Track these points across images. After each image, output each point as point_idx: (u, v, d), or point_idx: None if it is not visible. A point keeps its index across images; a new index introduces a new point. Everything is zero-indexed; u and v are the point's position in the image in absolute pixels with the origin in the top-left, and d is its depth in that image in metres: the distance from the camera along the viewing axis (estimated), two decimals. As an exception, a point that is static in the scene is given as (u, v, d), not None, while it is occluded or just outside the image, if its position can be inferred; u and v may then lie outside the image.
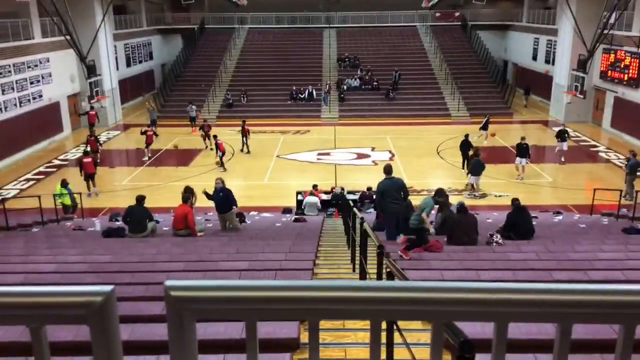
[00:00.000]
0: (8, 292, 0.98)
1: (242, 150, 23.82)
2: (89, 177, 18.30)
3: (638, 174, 17.23)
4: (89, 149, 20.79)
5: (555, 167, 21.33)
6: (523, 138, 19.49)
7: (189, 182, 19.24)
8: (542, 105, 33.24)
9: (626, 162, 18.28)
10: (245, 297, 0.95)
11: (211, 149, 23.02)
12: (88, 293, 0.97)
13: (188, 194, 11.75)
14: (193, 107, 28.14)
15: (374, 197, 15.38)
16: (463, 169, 19.95)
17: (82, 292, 0.97)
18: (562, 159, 21.28)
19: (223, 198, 11.56)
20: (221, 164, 21.03)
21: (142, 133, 23.14)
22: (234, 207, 11.77)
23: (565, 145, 21.17)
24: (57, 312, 0.98)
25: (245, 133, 23.69)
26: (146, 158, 22.78)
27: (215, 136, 22.08)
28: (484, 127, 24.34)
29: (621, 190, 16.13)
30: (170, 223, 11.74)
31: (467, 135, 20.35)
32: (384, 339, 3.19)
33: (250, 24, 40.06)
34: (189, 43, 38.88)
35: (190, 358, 1.00)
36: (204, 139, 23.98)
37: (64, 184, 15.53)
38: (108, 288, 0.97)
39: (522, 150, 19.19)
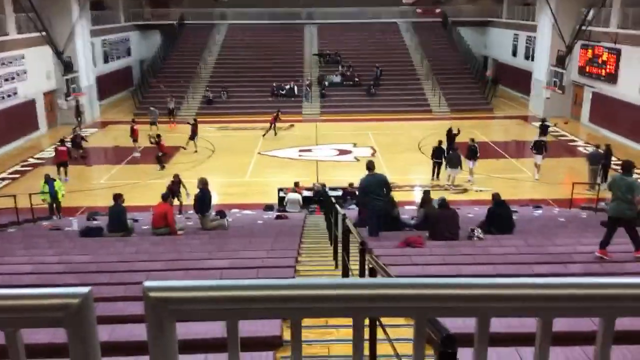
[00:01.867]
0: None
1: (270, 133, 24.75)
2: (62, 165, 19.18)
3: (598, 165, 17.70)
4: (68, 139, 20.65)
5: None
6: (472, 139, 19.07)
7: (165, 180, 19.13)
8: (522, 101, 33.65)
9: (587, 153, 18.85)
10: (225, 296, 0.93)
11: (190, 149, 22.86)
12: (64, 295, 0.95)
13: (168, 191, 11.63)
14: (173, 99, 27.93)
15: (356, 193, 15.46)
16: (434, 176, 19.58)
17: (58, 295, 0.95)
18: (536, 176, 19.27)
19: (198, 198, 11.49)
20: (160, 162, 20.56)
21: (132, 130, 22.96)
22: (208, 212, 11.66)
23: (540, 159, 19.14)
24: (33, 316, 0.96)
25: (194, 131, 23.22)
26: (137, 154, 22.56)
27: (158, 135, 21.27)
28: (544, 132, 22.15)
29: (595, 184, 16.63)
30: (149, 221, 11.60)
31: (450, 130, 20.50)
32: (367, 335, 3.20)
33: (231, 19, 39.76)
34: (168, 39, 38.45)
35: (170, 359, 0.99)
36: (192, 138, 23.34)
37: (47, 179, 15.26)
38: (85, 289, 0.95)
39: (472, 151, 18.58)
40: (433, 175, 19.38)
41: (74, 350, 0.97)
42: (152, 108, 26.89)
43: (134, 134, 22.73)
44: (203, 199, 11.44)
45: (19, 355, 1.00)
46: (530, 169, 20.55)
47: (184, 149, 22.99)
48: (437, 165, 19.26)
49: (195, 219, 12.76)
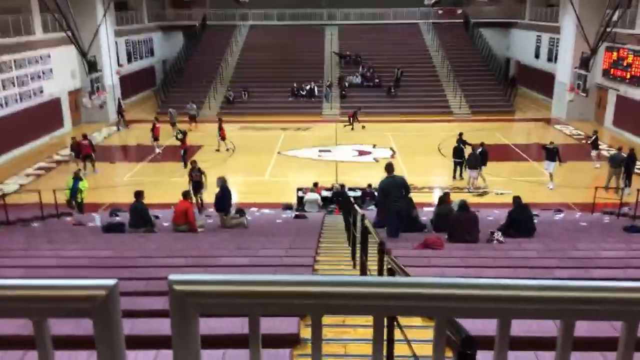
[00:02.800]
0: (12, 284, 0.99)
1: None
2: (86, 158, 19.91)
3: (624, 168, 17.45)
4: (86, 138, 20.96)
5: (556, 166, 21.31)
6: (552, 142, 18.58)
7: (185, 178, 19.29)
8: (544, 103, 33.20)
9: (609, 156, 18.54)
10: (248, 291, 0.95)
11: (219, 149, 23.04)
12: (92, 287, 0.97)
13: (186, 190, 11.75)
14: (194, 105, 27.98)
15: (375, 194, 15.42)
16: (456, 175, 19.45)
17: (86, 286, 0.97)
18: (550, 185, 18.46)
19: (218, 197, 11.61)
20: (184, 160, 20.50)
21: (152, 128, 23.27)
22: (228, 211, 11.79)
23: (552, 167, 18.28)
24: (61, 306, 0.98)
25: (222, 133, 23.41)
26: (158, 151, 22.82)
27: (184, 132, 21.79)
28: (595, 146, 20.76)
29: (617, 188, 16.37)
30: (170, 218, 11.74)
31: (461, 134, 20.29)
32: (384, 335, 3.20)
33: (252, 20, 39.98)
34: (190, 39, 38.82)
35: (193, 352, 1.01)
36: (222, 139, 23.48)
37: (74, 176, 15.47)
38: (112, 282, 0.97)
39: (551, 153, 18.09)
40: (454, 175, 19.22)
41: (100, 340, 0.99)
42: (170, 109, 27.11)
43: (155, 132, 22.97)
44: (223, 198, 11.54)
45: (46, 344, 1.02)
46: (553, 172, 20.27)
47: (218, 150, 23.26)
48: (458, 165, 19.11)
49: (215, 216, 12.86)
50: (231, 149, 23.63)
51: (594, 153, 20.04)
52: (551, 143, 18.45)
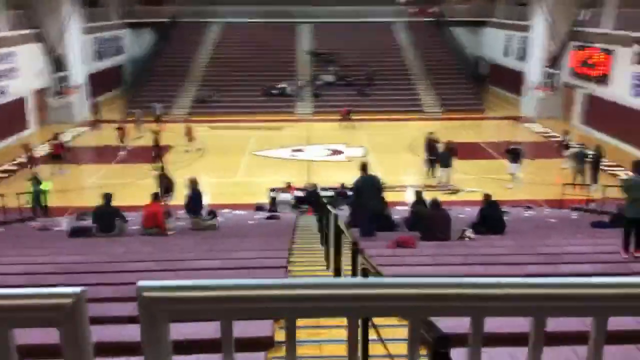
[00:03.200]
0: (-27, 295, 0.95)
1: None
2: (55, 158, 19.87)
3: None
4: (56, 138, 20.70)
5: (526, 163, 21.72)
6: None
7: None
8: (515, 102, 33.81)
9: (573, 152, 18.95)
10: (220, 296, 0.93)
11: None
12: (58, 295, 0.94)
13: (155, 192, 11.58)
14: (157, 105, 27.34)
15: (348, 193, 15.47)
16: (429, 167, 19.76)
17: (52, 294, 0.95)
18: (510, 185, 18.17)
19: (189, 199, 11.47)
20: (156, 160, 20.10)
21: (118, 129, 22.91)
22: (199, 213, 11.64)
23: (516, 168, 18.16)
24: (26, 315, 0.96)
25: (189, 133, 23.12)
26: (123, 153, 22.56)
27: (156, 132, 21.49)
28: (567, 147, 20.00)
29: (582, 184, 16.78)
30: (140, 221, 11.54)
31: (431, 133, 20.53)
32: (359, 336, 3.20)
33: (223, 17, 39.63)
34: (160, 37, 38.24)
35: (164, 359, 0.99)
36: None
37: (33, 178, 15.13)
38: (78, 290, 0.95)
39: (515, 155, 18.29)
40: (429, 171, 19.43)
41: (67, 350, 0.96)
42: (135, 110, 26.56)
43: (120, 133, 22.74)
44: (194, 199, 11.41)
45: (11, 355, 0.99)
46: (523, 169, 20.65)
47: (187, 151, 22.84)
48: (430, 162, 19.25)
49: (185, 219, 12.72)
50: (202, 150, 23.40)
51: (566, 153, 19.75)
52: (514, 144, 18.54)
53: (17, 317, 0.97)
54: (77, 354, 0.96)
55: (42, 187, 14.90)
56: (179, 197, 12.78)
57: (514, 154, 18.29)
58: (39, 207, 14.98)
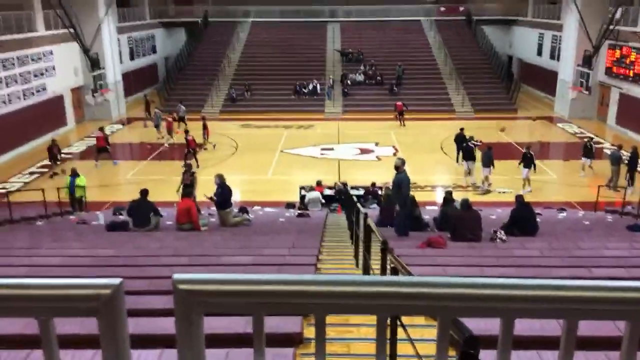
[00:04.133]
0: (18, 284, 0.99)
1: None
2: (101, 151, 20.71)
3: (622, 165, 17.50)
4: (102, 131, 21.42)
5: (560, 164, 21.27)
6: (529, 147, 18.38)
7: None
8: (547, 102, 33.13)
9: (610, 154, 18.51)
10: (253, 290, 0.95)
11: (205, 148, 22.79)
12: (97, 286, 0.97)
13: (189, 189, 11.72)
14: (182, 107, 26.98)
15: (378, 192, 15.42)
16: (457, 162, 20.00)
17: (92, 285, 0.98)
18: (526, 189, 17.43)
19: (219, 195, 11.56)
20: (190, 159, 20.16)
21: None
22: (229, 207, 11.75)
23: (526, 173, 17.65)
24: (66, 305, 0.99)
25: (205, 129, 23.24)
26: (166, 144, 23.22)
27: (186, 131, 21.73)
28: (589, 155, 19.29)
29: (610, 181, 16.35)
30: (173, 217, 11.75)
31: (462, 129, 20.36)
32: (387, 335, 3.20)
33: (254, 17, 39.96)
34: (192, 36, 38.82)
35: (197, 351, 1.01)
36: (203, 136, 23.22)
37: (71, 173, 15.49)
38: (117, 281, 0.98)
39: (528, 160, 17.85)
40: (457, 160, 19.49)
41: (105, 339, 1.00)
42: (156, 110, 26.53)
43: (167, 126, 23.58)
44: (222, 195, 11.53)
45: (52, 344, 1.03)
46: (555, 170, 20.24)
47: (206, 149, 23.06)
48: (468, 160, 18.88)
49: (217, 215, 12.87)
50: (215, 145, 23.54)
51: (585, 161, 18.99)
52: (528, 148, 18.08)
53: (57, 307, 1.00)
54: (114, 344, 0.99)
55: (78, 181, 15.25)
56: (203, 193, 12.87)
57: (527, 158, 17.75)
58: (76, 200, 15.32)
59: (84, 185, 15.51)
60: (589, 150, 18.92)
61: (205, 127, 23.20)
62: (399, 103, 27.94)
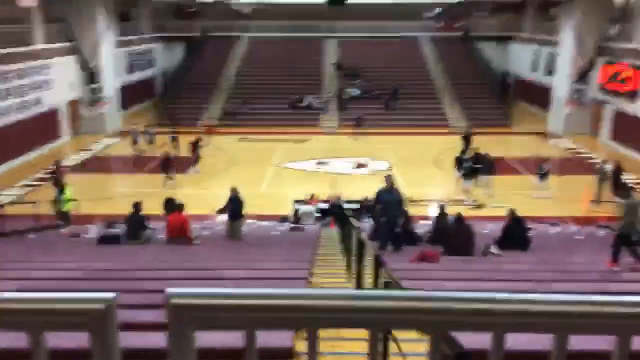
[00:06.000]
0: (9, 298, 0.99)
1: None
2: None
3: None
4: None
5: (552, 179, 21.35)
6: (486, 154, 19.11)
7: (185, 190, 19.28)
8: (541, 117, 33.35)
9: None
10: (246, 305, 0.96)
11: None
12: (90, 300, 0.98)
13: (180, 203, 11.74)
14: (150, 130, 25.88)
15: (370, 207, 15.44)
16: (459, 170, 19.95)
17: (84, 299, 0.98)
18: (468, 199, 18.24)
19: (234, 207, 11.65)
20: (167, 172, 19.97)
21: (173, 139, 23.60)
22: (242, 218, 11.87)
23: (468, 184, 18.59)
24: (58, 319, 0.99)
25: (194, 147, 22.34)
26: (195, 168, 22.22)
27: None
28: (543, 176, 19.43)
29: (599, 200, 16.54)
30: (165, 230, 11.66)
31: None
32: (380, 349, 3.18)
33: (252, 32, 40.17)
34: (191, 51, 38.95)
35: (189, 366, 1.01)
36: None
37: (59, 187, 15.33)
38: (110, 295, 0.98)
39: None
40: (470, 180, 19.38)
41: (96, 353, 1.00)
42: (148, 129, 25.70)
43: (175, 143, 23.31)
44: (235, 207, 11.65)
45: (42, 358, 1.03)
46: (550, 185, 20.31)
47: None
48: (474, 172, 19.10)
49: (210, 228, 12.84)
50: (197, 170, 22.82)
51: (538, 182, 18.97)
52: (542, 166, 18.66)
53: (49, 321, 1.00)
54: (106, 358, 0.99)
55: (64, 196, 14.99)
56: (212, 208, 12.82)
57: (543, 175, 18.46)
58: (60, 213, 15.05)
59: (69, 198, 15.25)
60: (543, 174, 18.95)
61: (194, 150, 22.48)
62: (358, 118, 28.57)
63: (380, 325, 1.01)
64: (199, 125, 29.88)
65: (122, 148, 27.01)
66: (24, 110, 23.86)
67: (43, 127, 25.19)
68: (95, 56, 28.10)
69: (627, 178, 18.79)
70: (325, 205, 16.25)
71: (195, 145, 22.12)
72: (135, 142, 24.93)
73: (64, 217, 15.17)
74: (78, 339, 3.24)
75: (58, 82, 26.40)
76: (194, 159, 21.99)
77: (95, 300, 0.98)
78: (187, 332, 0.98)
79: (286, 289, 0.97)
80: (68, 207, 15.26)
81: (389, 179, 10.06)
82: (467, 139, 23.61)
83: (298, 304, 0.95)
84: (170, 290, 0.97)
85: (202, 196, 18.54)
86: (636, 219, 8.45)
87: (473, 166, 18.88)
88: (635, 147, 24.33)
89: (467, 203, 17.96)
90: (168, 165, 20.00)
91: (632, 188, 13.42)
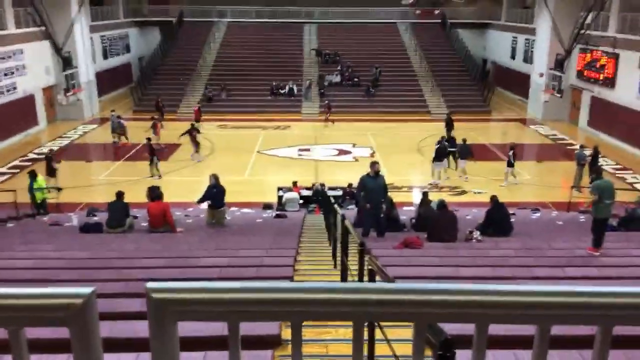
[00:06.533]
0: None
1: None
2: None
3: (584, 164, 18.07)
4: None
5: (533, 165, 21.65)
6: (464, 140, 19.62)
7: (168, 177, 19.12)
8: (520, 104, 33.69)
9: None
10: (227, 299, 0.94)
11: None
12: (68, 295, 0.95)
13: (160, 191, 11.58)
14: (119, 120, 24.56)
15: (355, 193, 15.49)
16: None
17: (62, 294, 0.96)
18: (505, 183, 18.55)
19: (216, 194, 11.54)
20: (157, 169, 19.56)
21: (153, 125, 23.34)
22: (224, 206, 11.80)
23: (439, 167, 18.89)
24: (36, 315, 0.97)
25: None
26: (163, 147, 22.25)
27: (148, 138, 20.78)
28: (510, 164, 18.97)
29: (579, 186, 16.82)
30: (147, 219, 11.56)
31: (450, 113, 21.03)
32: (365, 336, 3.21)
33: (230, 17, 39.71)
34: (167, 36, 38.39)
35: (171, 358, 1.00)
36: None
37: (30, 175, 14.82)
38: (88, 290, 0.96)
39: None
40: (449, 165, 19.81)
41: (76, 348, 0.98)
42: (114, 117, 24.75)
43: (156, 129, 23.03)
44: (217, 194, 11.56)
45: (22, 352, 1.01)
46: (530, 171, 20.56)
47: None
48: (451, 155, 19.67)
49: (193, 216, 12.76)
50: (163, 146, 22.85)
51: (507, 170, 18.78)
52: (512, 148, 18.97)
53: (27, 317, 0.98)
54: (86, 352, 0.97)
55: (35, 184, 14.51)
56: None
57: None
58: (35, 203, 14.60)
59: (42, 187, 14.79)
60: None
61: (155, 126, 22.95)
62: (326, 104, 28.70)
63: (364, 317, 1.01)
64: (178, 112, 29.62)
65: (100, 135, 26.64)
66: (-1, 97, 23.38)
67: (19, 113, 24.70)
68: (69, 41, 27.53)
69: (605, 163, 19.14)
70: (308, 193, 16.25)
71: (191, 133, 21.68)
72: (113, 130, 24.45)
73: (41, 207, 14.80)
74: (59, 330, 3.21)
75: (32, 67, 25.86)
76: (195, 146, 21.74)
77: (73, 295, 0.95)
78: (168, 325, 0.97)
79: (268, 282, 0.96)
80: (40, 196, 14.72)
81: (375, 165, 10.07)
82: (449, 125, 23.82)
83: (280, 297, 0.94)
84: (150, 284, 0.95)
85: (183, 183, 18.43)
86: (612, 201, 8.57)
87: (448, 149, 19.23)
88: (612, 133, 24.74)
89: (432, 184, 18.19)
90: (152, 153, 19.68)
91: (602, 170, 13.72)
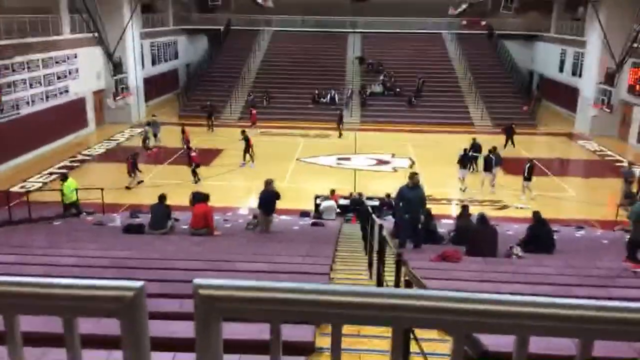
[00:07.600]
0: (45, 282, 1.03)
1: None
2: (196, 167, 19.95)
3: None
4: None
5: (579, 181, 21.02)
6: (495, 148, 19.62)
7: (209, 182, 19.45)
8: (568, 118, 32.79)
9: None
10: (272, 298, 0.97)
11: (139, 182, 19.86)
12: (120, 287, 1.00)
13: (206, 194, 11.80)
14: (147, 128, 25.16)
15: (393, 203, 15.39)
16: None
17: (115, 287, 1.01)
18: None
19: (261, 199, 11.61)
20: (194, 174, 19.77)
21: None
22: (271, 213, 11.83)
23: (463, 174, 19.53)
24: (90, 305, 1.02)
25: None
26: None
27: (189, 148, 21.11)
28: (528, 178, 18.46)
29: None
30: (188, 222, 11.82)
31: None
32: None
33: (276, 26, 40.26)
34: (214, 43, 39.23)
35: (215, 356, 1.03)
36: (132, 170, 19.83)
37: (62, 177, 14.99)
38: (139, 283, 1.01)
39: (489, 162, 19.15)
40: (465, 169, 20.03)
41: (126, 340, 1.02)
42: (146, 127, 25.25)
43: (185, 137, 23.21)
44: (269, 200, 11.58)
45: (75, 343, 1.06)
46: (574, 188, 19.97)
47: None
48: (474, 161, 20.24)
49: (232, 221, 12.92)
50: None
51: (525, 184, 18.32)
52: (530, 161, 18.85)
53: (81, 306, 1.03)
54: (136, 345, 1.02)
55: (65, 186, 14.40)
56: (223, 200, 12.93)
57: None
58: (68, 205, 14.48)
59: (74, 188, 14.64)
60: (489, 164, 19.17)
61: (183, 132, 23.22)
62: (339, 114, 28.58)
63: (403, 322, 1.02)
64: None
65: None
66: (52, 99, 24.33)
67: (70, 115, 25.67)
68: (120, 47, 28.48)
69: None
70: (346, 202, 16.23)
71: (246, 140, 21.82)
72: (146, 139, 24.24)
73: (74, 207, 14.63)
74: (105, 326, 3.31)
75: (84, 71, 26.86)
76: (250, 152, 21.99)
77: (125, 288, 1.00)
78: (213, 322, 1.00)
79: (311, 283, 0.98)
80: (69, 198, 14.50)
81: (414, 177, 9.98)
82: (509, 134, 24.50)
83: (323, 299, 0.96)
84: (198, 280, 0.99)
85: (224, 188, 18.72)
86: None
87: (472, 154, 19.17)
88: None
89: (462, 190, 18.58)
90: (189, 159, 20.06)
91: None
